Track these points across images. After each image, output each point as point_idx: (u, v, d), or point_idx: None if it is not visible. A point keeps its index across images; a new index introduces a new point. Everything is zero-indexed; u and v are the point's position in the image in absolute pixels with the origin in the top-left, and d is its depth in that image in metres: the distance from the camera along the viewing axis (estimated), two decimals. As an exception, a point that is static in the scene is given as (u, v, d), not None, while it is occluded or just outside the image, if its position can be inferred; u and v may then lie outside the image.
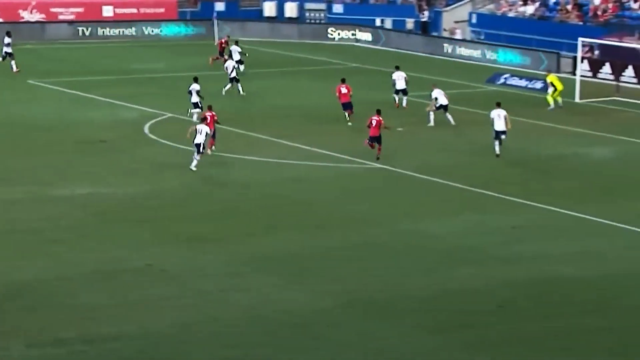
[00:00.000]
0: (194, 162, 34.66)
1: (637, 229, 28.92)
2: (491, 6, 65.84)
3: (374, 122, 36.68)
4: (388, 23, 68.60)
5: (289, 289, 24.54)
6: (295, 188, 33.41)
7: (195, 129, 34.92)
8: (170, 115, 44.59)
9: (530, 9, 62.85)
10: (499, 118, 37.59)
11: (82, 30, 67.60)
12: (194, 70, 56.94)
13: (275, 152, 38.01)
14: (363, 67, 57.27)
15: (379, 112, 37.07)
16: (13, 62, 53.78)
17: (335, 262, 26.53)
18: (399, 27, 67.80)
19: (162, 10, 70.98)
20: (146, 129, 41.78)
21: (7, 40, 54.49)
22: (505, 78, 53.14)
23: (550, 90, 46.52)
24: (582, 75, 50.20)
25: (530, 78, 52.48)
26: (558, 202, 31.36)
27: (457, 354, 21.13)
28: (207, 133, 35.10)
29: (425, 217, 30.32)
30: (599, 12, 59.30)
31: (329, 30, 67.53)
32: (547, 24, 61.30)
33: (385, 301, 23.78)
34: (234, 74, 48.21)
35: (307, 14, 71.13)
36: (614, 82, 51.10)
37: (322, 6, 70.97)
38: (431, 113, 42.48)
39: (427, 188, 33.56)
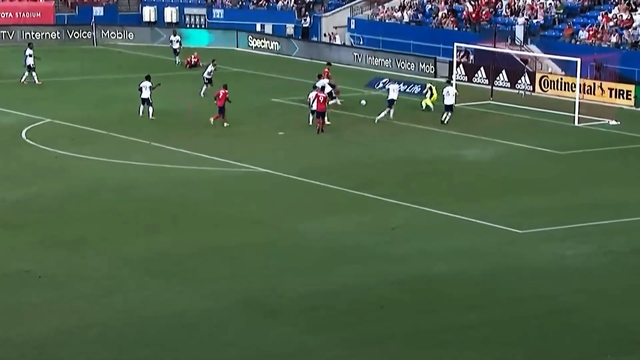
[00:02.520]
0: (310, 119, 41.83)
1: (507, 228, 29.76)
2: (369, 12, 66.68)
3: (321, 98, 41.18)
4: (268, 28, 68.86)
5: (170, 291, 24.55)
6: (176, 191, 33.36)
7: (309, 98, 41.81)
8: (48, 120, 44.00)
9: (407, 15, 63.88)
10: (448, 94, 43.86)
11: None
12: (73, 75, 56.34)
13: (157, 156, 37.88)
14: (244, 72, 57.50)
15: (323, 89, 42.71)
16: (34, 74, 52.45)
17: (217, 263, 26.63)
18: (279, 32, 68.15)
19: (38, 14, 69.80)
20: (23, 134, 41.18)
21: (29, 51, 53.00)
22: (384, 82, 53.86)
23: (428, 94, 47.59)
24: (458, 80, 51.30)
25: (408, 82, 53.33)
26: (435, 202, 32.02)
27: (337, 351, 21.43)
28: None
29: (306, 218, 30.63)
30: (473, 18, 60.68)
31: (249, 37, 66.99)
32: (423, 29, 62.42)
33: (267, 300, 23.99)
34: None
35: (187, 19, 70.88)
36: (488, 87, 52.38)
37: (202, 11, 70.82)
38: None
39: (307, 190, 33.89)
